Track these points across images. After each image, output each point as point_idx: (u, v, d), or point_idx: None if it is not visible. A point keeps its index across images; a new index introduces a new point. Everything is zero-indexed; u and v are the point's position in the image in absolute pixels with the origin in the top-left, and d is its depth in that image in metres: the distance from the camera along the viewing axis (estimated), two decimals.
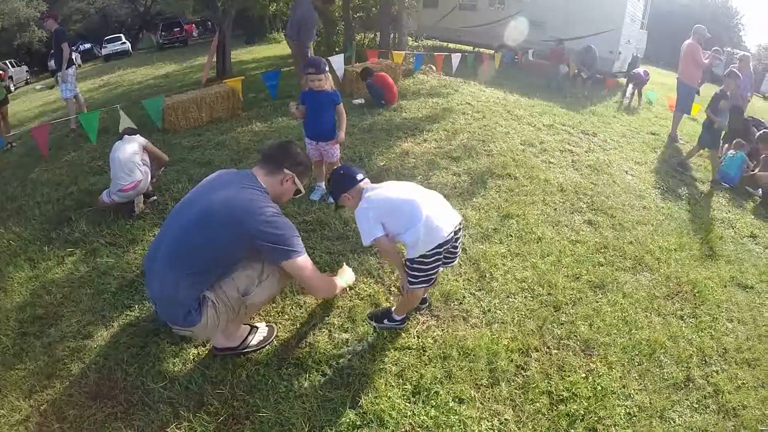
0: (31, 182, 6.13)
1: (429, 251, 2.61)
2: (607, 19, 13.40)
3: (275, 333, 3.04)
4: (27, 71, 29.12)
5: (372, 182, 2.84)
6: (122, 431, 2.43)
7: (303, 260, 2.54)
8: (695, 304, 3.77)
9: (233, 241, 2.43)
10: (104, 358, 2.92)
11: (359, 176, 2.78)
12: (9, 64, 25.15)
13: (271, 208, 2.50)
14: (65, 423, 2.53)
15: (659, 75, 23.34)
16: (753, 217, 5.86)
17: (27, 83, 27.28)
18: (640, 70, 11.91)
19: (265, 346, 2.94)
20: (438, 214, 2.65)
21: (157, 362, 2.84)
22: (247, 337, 2.89)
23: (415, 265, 2.67)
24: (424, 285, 2.76)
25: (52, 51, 8.71)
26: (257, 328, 2.98)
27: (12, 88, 10.90)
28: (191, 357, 2.86)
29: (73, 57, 8.49)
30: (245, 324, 2.92)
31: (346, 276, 3.31)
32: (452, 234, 2.67)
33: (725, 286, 4.12)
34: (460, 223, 2.76)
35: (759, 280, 4.37)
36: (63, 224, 4.67)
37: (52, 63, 23.75)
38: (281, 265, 2.53)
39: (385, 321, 3.04)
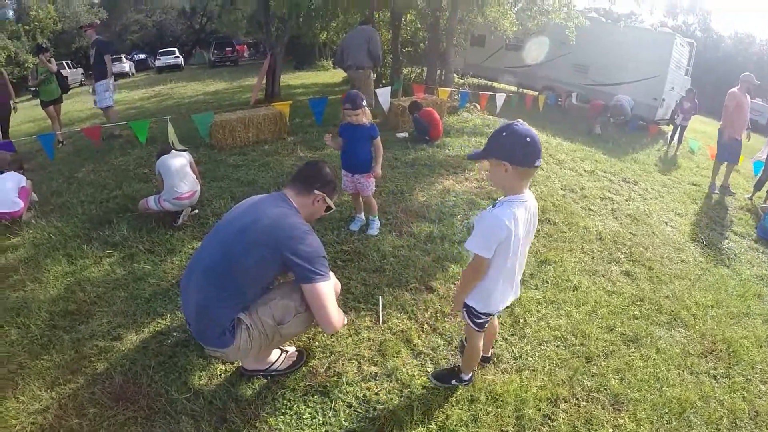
0: (77, 181, 6.37)
1: (485, 311, 2.57)
2: (652, 66, 13.32)
3: (305, 359, 3.04)
4: (82, 73, 30.37)
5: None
6: None
7: (325, 286, 2.52)
8: (729, 363, 3.62)
9: (266, 256, 2.46)
10: (131, 362, 2.97)
11: (538, 162, 2.26)
12: (66, 65, 26.25)
13: (303, 225, 2.57)
14: (84, 420, 2.57)
15: (701, 123, 22.99)
16: None
17: (81, 85, 28.43)
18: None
19: (294, 370, 2.95)
20: (512, 286, 2.60)
21: (183, 373, 2.87)
22: (276, 361, 2.91)
23: (472, 311, 2.60)
24: (479, 331, 2.67)
25: (91, 62, 9.04)
26: (287, 351, 3.01)
27: (69, 86, 11.53)
28: (218, 372, 2.88)
29: (111, 69, 8.83)
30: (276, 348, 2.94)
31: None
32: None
33: (761, 347, 3.93)
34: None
35: None
36: (104, 225, 4.82)
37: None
38: (302, 288, 2.53)
39: (453, 382, 2.92)
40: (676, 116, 12.08)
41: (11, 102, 8.73)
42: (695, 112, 11.91)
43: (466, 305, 2.60)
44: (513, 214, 2.28)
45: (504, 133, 2.25)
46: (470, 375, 2.95)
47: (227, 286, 2.48)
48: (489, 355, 3.18)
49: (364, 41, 8.08)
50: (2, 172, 5.16)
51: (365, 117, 4.23)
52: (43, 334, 3.28)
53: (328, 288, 2.55)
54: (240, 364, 2.90)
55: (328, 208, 2.87)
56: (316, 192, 2.73)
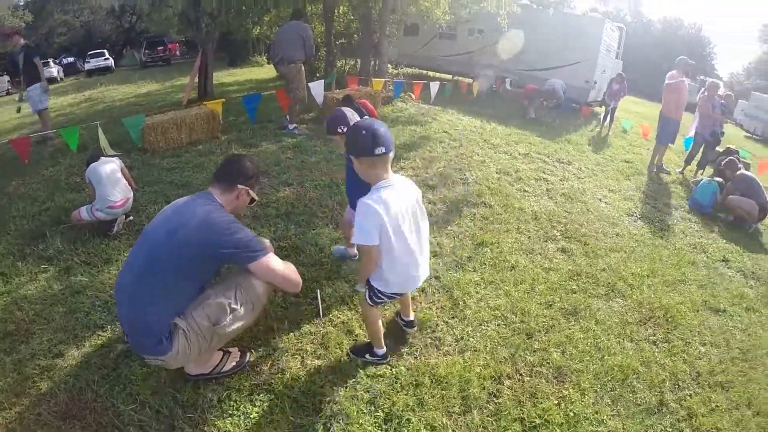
0: (7, 196, 6.04)
1: (389, 292, 2.75)
2: (583, 50, 13.79)
3: (248, 358, 3.04)
4: (8, 81, 28.78)
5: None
6: None
7: (269, 258, 2.64)
8: (668, 329, 3.83)
9: (198, 254, 2.48)
10: (75, 378, 2.89)
11: (379, 150, 2.47)
12: None
13: (226, 217, 2.60)
14: None
15: (633, 103, 24.02)
16: (725, 241, 6.01)
17: (8, 93, 26.90)
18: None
19: (238, 370, 2.94)
20: (417, 267, 2.74)
21: (128, 384, 2.82)
22: (219, 363, 2.90)
23: (374, 291, 2.76)
24: (372, 304, 2.84)
25: (20, 68, 8.73)
26: (230, 353, 2.99)
27: None
28: (162, 380, 2.84)
29: (43, 73, 8.68)
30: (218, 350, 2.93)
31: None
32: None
33: (698, 311, 4.19)
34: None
35: (731, 303, 4.46)
36: (38, 240, 4.62)
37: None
38: (249, 268, 2.60)
39: (366, 356, 3.03)
40: (606, 98, 12.48)
41: None
42: (624, 94, 12.37)
43: (369, 284, 2.76)
44: (379, 198, 2.49)
45: (350, 133, 2.59)
46: (382, 350, 3.04)
47: (159, 292, 2.46)
48: (412, 318, 3.31)
49: (297, 36, 7.96)
50: None
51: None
52: None
53: (273, 258, 2.66)
54: (184, 370, 2.87)
55: (252, 200, 2.88)
56: (239, 186, 2.75)
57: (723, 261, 5.40)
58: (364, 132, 2.47)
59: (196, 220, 2.50)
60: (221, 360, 2.91)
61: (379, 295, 2.76)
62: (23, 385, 2.88)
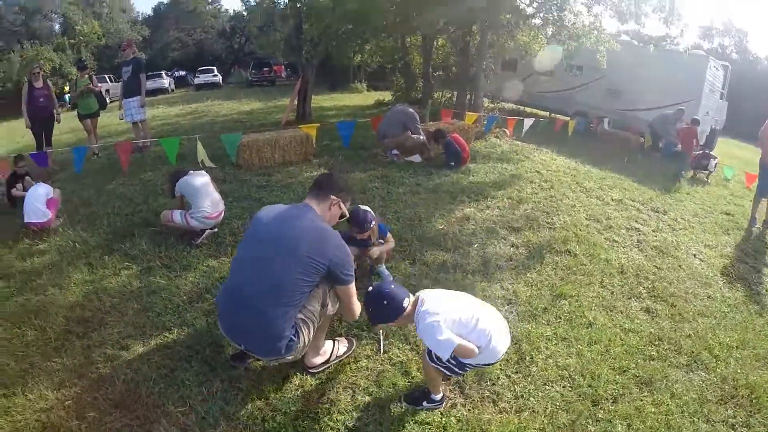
0: (107, 193, 6.63)
1: (472, 363, 2.71)
2: (685, 90, 13.07)
3: (354, 345, 3.37)
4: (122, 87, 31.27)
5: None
6: None
7: (353, 286, 2.88)
8: (750, 411, 3.40)
9: (318, 267, 2.66)
10: (134, 372, 3.08)
11: (405, 302, 2.65)
12: (108, 79, 27.19)
13: (338, 234, 2.83)
14: (83, 422, 2.69)
15: (737, 148, 22.41)
16: None
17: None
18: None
19: (350, 354, 3.29)
20: (498, 337, 2.71)
21: (182, 387, 2.95)
22: (333, 349, 3.20)
23: (452, 361, 2.68)
24: (437, 370, 2.78)
25: (124, 78, 9.52)
26: (338, 340, 3.32)
27: (108, 101, 12.26)
28: (215, 390, 2.92)
29: (144, 88, 9.55)
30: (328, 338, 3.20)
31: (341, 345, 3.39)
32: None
33: None
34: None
35: None
36: (126, 238, 5.00)
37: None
38: (337, 289, 2.84)
39: (424, 403, 2.93)
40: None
41: (55, 112, 9.02)
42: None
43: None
44: (431, 310, 2.57)
45: (368, 308, 2.70)
46: (440, 395, 2.94)
47: (290, 302, 2.64)
48: None
49: (399, 121, 8.32)
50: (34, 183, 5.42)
51: (373, 234, 4.15)
52: (57, 337, 3.47)
53: (354, 287, 2.89)
54: (305, 366, 3.10)
55: (342, 215, 3.07)
56: (332, 197, 2.93)
57: None
58: (385, 302, 2.61)
59: (313, 233, 2.71)
60: (335, 346, 3.22)
61: (461, 368, 2.76)
62: (87, 369, 3.14)
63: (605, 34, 12.16)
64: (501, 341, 2.70)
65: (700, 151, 11.76)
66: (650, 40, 14.68)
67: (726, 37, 50.97)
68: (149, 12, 50.95)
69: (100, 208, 5.93)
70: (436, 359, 2.69)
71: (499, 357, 2.72)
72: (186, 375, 3.05)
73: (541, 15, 12.28)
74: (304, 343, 2.74)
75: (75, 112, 10.33)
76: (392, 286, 2.69)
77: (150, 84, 25.42)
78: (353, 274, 2.84)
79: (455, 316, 2.57)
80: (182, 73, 40.87)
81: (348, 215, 3.16)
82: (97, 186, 6.95)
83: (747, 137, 28.78)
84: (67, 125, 10.89)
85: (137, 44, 33.28)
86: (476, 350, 2.57)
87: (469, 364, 2.71)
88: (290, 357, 2.75)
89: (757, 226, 7.69)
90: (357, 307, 2.94)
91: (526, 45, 12.96)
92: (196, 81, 35.38)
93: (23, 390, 2.94)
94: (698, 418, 3.26)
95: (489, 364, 2.79)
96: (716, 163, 11.09)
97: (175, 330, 3.52)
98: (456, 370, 2.73)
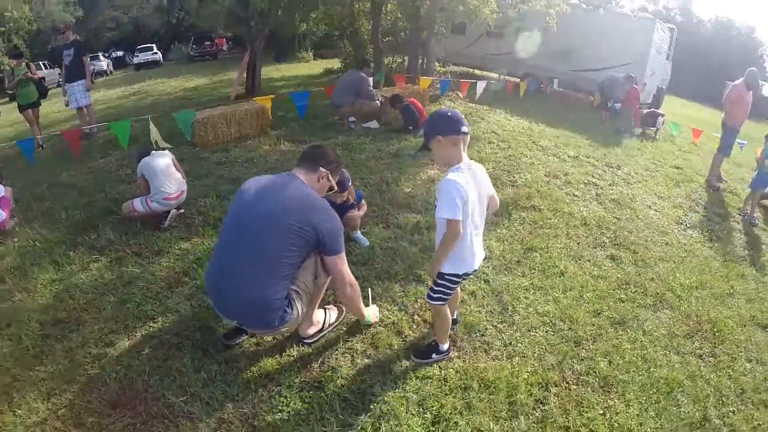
0: (59, 185, 6.28)
1: (461, 273, 2.79)
2: (632, 51, 13.43)
3: (345, 312, 3.36)
4: (59, 73, 29.78)
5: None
6: None
7: (344, 255, 2.85)
8: (714, 343, 3.72)
9: (307, 236, 2.64)
10: (125, 368, 2.95)
11: (464, 128, 2.65)
12: (42, 66, 25.79)
13: (325, 202, 2.82)
14: (82, 429, 2.56)
15: (682, 106, 23.32)
16: None
17: (59, 85, 27.91)
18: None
19: (342, 320, 3.32)
20: (478, 244, 2.84)
21: (178, 376, 2.86)
22: (325, 318, 3.22)
23: (443, 281, 2.79)
24: (442, 302, 2.87)
25: (66, 62, 9.06)
26: (328, 309, 3.31)
27: (47, 89, 11.63)
28: (213, 374, 2.87)
29: (89, 70, 9.09)
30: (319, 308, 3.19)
31: (371, 311, 3.35)
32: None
33: (745, 326, 4.05)
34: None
35: None
36: (89, 230, 4.76)
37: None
38: (326, 260, 2.80)
39: (433, 356, 3.05)
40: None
41: None
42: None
43: (441, 278, 2.78)
44: (463, 177, 2.59)
45: (431, 117, 2.74)
46: (447, 344, 3.08)
47: (280, 273, 2.64)
48: (456, 317, 3.36)
49: (350, 86, 8.36)
50: None
51: (351, 195, 4.19)
52: (35, 344, 3.23)
53: (344, 256, 2.85)
54: (299, 336, 3.11)
55: (330, 188, 3.03)
56: (321, 169, 2.90)
57: None
58: (449, 114, 2.66)
59: (300, 201, 2.69)
60: (326, 315, 3.23)
61: (451, 282, 2.80)
62: (74, 373, 2.95)
63: None
64: (479, 253, 2.85)
65: (648, 109, 12.15)
66: (599, 3, 14.95)
67: (671, 0, 52.35)
68: None
69: (54, 202, 5.62)
70: (435, 290, 2.82)
71: (473, 268, 2.81)
72: (180, 363, 2.96)
73: None
74: (298, 314, 2.75)
75: (13, 105, 9.75)
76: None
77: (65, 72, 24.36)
78: (342, 242, 2.82)
79: (468, 208, 2.63)
80: (120, 53, 39.08)
81: (336, 188, 3.12)
82: (47, 179, 6.57)
83: (691, 96, 30.02)
84: (5, 119, 10.28)
85: (71, 26, 31.68)
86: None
87: (451, 277, 2.79)
88: (284, 329, 2.77)
89: (716, 185, 7.96)
90: (349, 277, 2.89)
91: (476, 8, 12.93)
92: (136, 60, 33.99)
93: (10, 406, 2.74)
94: (669, 351, 3.54)
95: (465, 274, 2.84)
96: (663, 120, 11.51)
97: (160, 318, 3.41)
98: (447, 289, 2.82)
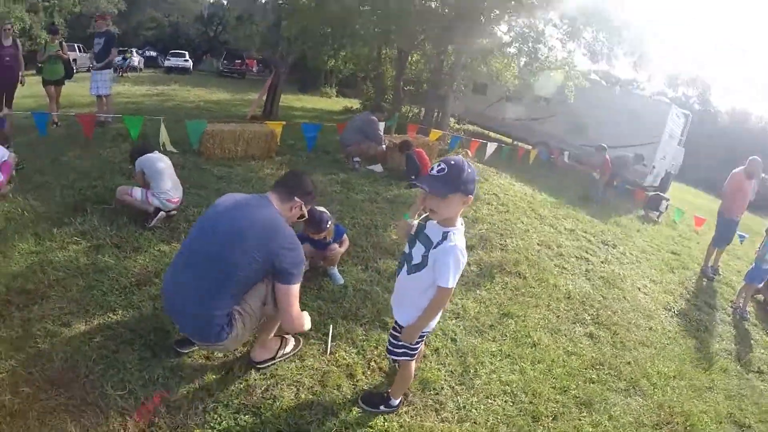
0: (63, 164, 6.38)
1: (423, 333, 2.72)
2: (646, 132, 13.56)
3: (301, 344, 3.36)
4: (90, 58, 30.32)
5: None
6: (68, 424, 2.45)
7: (296, 288, 2.76)
8: None
9: (263, 260, 2.62)
10: (74, 350, 2.96)
11: (471, 192, 2.45)
12: (78, 48, 26.35)
13: (291, 231, 2.79)
14: (17, 397, 2.55)
15: (689, 193, 23.40)
16: (764, 351, 5.64)
17: (89, 70, 28.39)
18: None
19: (297, 352, 3.29)
20: None
21: (122, 371, 2.85)
22: (280, 346, 3.18)
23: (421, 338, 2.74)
24: (409, 358, 2.81)
25: (95, 50, 9.36)
26: (286, 338, 3.27)
27: (74, 71, 11.82)
28: (156, 376, 2.85)
29: (114, 60, 9.38)
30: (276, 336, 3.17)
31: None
32: None
33: (720, 422, 3.92)
34: None
35: (758, 419, 4.15)
36: (77, 212, 4.79)
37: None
38: (277, 287, 2.72)
39: (381, 407, 2.95)
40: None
41: (20, 74, 8.70)
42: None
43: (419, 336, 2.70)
44: (463, 242, 2.50)
45: (468, 169, 2.40)
46: (399, 400, 2.99)
47: (225, 289, 2.63)
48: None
49: (359, 129, 8.44)
50: None
51: (329, 235, 4.14)
52: None
53: (297, 289, 2.77)
54: (250, 359, 3.08)
55: (301, 216, 3.03)
56: (296, 199, 2.91)
57: (758, 373, 5.06)
58: (473, 171, 2.43)
59: (265, 225, 2.68)
60: (281, 344, 3.20)
61: (419, 341, 2.75)
62: (24, 342, 2.98)
63: (575, 71, 12.50)
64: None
65: (654, 192, 12.18)
66: (618, 81, 15.22)
67: (690, 88, 53.33)
68: None
69: (53, 179, 5.69)
70: (396, 345, 2.76)
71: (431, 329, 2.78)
72: (128, 358, 2.95)
73: (517, 45, 12.57)
74: (237, 335, 2.72)
75: (39, 78, 9.93)
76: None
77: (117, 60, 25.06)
78: (300, 275, 2.78)
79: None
80: (153, 53, 39.88)
81: (306, 216, 3.11)
82: (52, 156, 6.68)
83: (700, 184, 30.13)
84: (29, 90, 10.46)
85: (112, 17, 32.40)
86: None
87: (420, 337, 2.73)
88: (221, 346, 2.74)
89: (711, 275, 7.87)
90: (297, 314, 2.81)
91: (498, 71, 13.19)
92: (167, 63, 34.67)
93: None
94: None
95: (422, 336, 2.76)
96: (668, 205, 11.55)
97: (120, 311, 3.41)
98: (411, 349, 2.75)
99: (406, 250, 2.66)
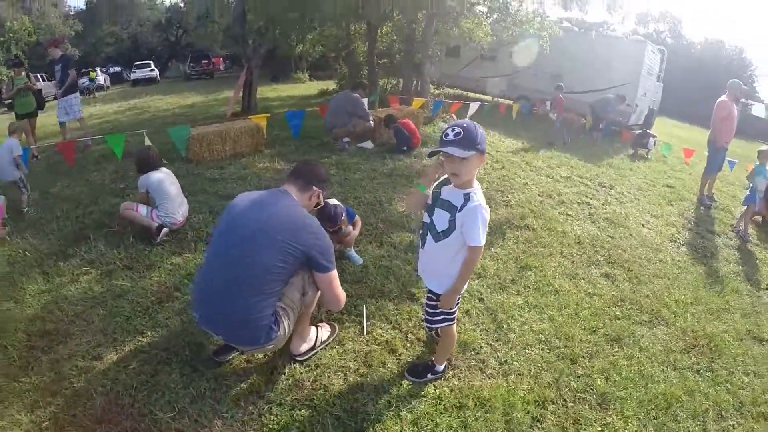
0: (52, 196, 6.25)
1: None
2: (624, 73, 13.62)
3: (338, 330, 3.39)
4: (55, 85, 29.74)
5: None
6: None
7: (334, 274, 2.82)
8: (711, 358, 3.72)
9: (295, 253, 2.63)
10: (112, 382, 2.88)
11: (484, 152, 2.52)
12: (40, 78, 25.85)
13: (315, 220, 2.81)
14: None
15: (674, 127, 23.55)
16: None
17: (56, 98, 27.88)
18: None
19: (335, 338, 3.32)
20: None
21: (167, 392, 2.80)
22: (318, 335, 3.20)
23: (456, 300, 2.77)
24: (451, 323, 2.86)
25: (57, 78, 9.19)
26: (320, 326, 3.30)
27: (44, 101, 11.62)
28: (203, 390, 2.82)
29: (78, 83, 9.24)
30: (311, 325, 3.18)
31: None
32: None
33: (741, 340, 4.07)
34: None
35: None
36: (80, 242, 4.70)
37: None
38: (318, 278, 2.79)
39: (429, 375, 3.01)
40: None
41: None
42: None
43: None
44: (484, 206, 2.52)
45: (479, 129, 2.48)
46: (444, 366, 3.04)
47: (267, 290, 2.61)
48: None
49: (343, 109, 8.33)
50: None
51: (344, 224, 4.15)
52: (20, 355, 3.16)
53: (336, 274, 2.84)
54: (291, 354, 3.07)
55: (318, 204, 3.08)
56: (314, 188, 2.93)
57: (767, 290, 5.22)
58: (481, 130, 2.49)
59: (289, 219, 2.68)
60: (318, 332, 3.22)
61: (456, 305, 2.79)
62: (59, 385, 2.89)
63: (548, 21, 12.45)
64: None
65: (640, 130, 12.27)
66: (591, 26, 15.18)
67: (661, 23, 53.08)
68: (81, 6, 48.33)
69: (47, 213, 5.59)
70: (434, 314, 2.80)
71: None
72: (169, 378, 2.90)
73: (486, 2, 12.47)
74: (285, 331, 2.73)
75: (8, 115, 9.75)
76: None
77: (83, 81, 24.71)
78: (333, 260, 2.81)
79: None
80: (117, 68, 39.21)
81: (322, 203, 3.13)
82: (40, 190, 6.54)
83: (681, 116, 30.34)
84: (2, 127, 10.26)
85: (70, 40, 31.63)
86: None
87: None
88: (271, 346, 2.74)
89: (707, 202, 7.99)
90: (341, 295, 2.89)
91: (470, 32, 13.09)
92: (133, 76, 33.99)
93: None
94: (667, 367, 3.53)
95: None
96: (655, 141, 11.65)
97: (149, 333, 3.35)
98: (450, 313, 2.80)
99: (426, 219, 2.68)
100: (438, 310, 2.76)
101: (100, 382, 2.89)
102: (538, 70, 15.13)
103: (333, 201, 4.01)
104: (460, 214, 2.50)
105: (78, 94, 9.08)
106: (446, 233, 2.56)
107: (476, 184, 2.56)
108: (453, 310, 2.77)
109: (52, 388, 2.88)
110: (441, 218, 2.58)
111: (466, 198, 2.50)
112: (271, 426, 2.62)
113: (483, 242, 2.48)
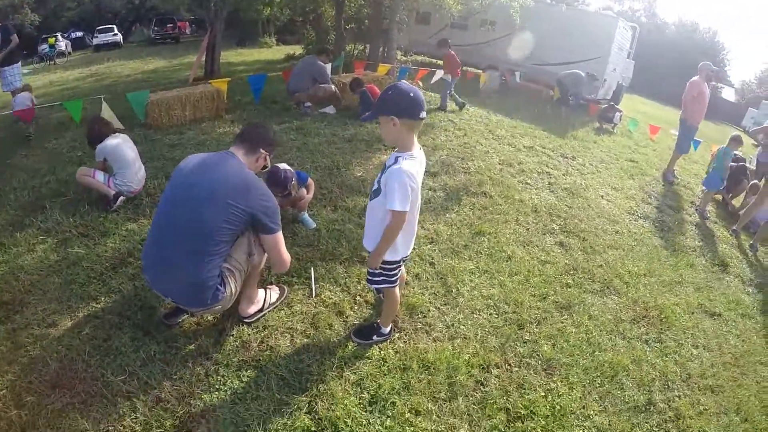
0: (10, 167, 6.08)
1: (399, 259, 2.76)
2: (594, 47, 13.66)
3: (287, 291, 3.43)
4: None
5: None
6: (78, 422, 2.43)
7: (281, 234, 2.87)
8: (661, 329, 3.83)
9: (241, 215, 2.65)
10: (66, 348, 2.91)
11: (423, 114, 2.48)
12: None
13: (262, 183, 2.84)
14: (23, 410, 2.52)
15: (641, 104, 23.84)
16: (726, 246, 5.97)
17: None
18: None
19: (283, 299, 3.35)
20: (414, 229, 2.81)
21: (118, 356, 2.84)
22: (266, 297, 3.24)
23: (383, 268, 2.77)
24: (390, 285, 2.86)
25: None
26: (269, 288, 3.34)
27: None
28: (153, 353, 2.86)
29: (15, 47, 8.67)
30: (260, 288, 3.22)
31: None
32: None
33: (692, 313, 4.19)
34: None
35: (727, 308, 4.47)
36: (37, 211, 4.62)
37: None
38: (264, 239, 2.83)
39: (374, 337, 3.06)
40: None
41: None
42: None
43: (384, 265, 2.76)
44: (414, 167, 2.53)
45: (390, 92, 2.49)
46: (389, 328, 3.10)
47: (213, 251, 2.64)
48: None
49: (307, 72, 8.26)
50: None
51: (294, 189, 4.09)
52: None
53: (281, 236, 2.88)
54: (239, 316, 3.11)
55: (264, 167, 3.07)
56: (261, 151, 2.92)
57: (722, 266, 5.37)
58: (411, 95, 2.44)
59: (236, 180, 2.68)
60: (266, 294, 3.25)
61: (393, 268, 2.79)
62: (16, 354, 2.90)
63: None
64: (413, 242, 2.84)
65: (607, 104, 12.38)
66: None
67: (636, 1, 53.20)
68: None
69: (4, 184, 5.44)
70: (374, 274, 2.82)
71: (408, 253, 2.82)
72: (121, 342, 2.94)
73: None
74: (231, 292, 2.78)
75: None
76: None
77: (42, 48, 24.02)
78: (279, 222, 2.84)
79: (414, 198, 2.57)
80: (79, 33, 37.56)
81: (269, 166, 3.16)
82: None
83: (651, 95, 30.71)
84: None
85: (29, 4, 30.19)
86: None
87: (391, 264, 2.77)
88: (218, 307, 2.79)
89: (670, 179, 8.16)
90: (286, 256, 2.93)
91: None
92: (95, 41, 32.63)
93: None
94: (615, 336, 3.64)
95: (403, 260, 2.83)
96: (621, 116, 11.78)
97: (102, 299, 3.37)
98: (388, 275, 2.81)
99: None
100: (378, 271, 2.79)
101: (55, 349, 2.92)
102: (507, 40, 15.08)
103: (283, 165, 3.98)
104: (384, 176, 2.55)
105: (19, 64, 8.70)
106: (376, 193, 2.63)
107: (417, 150, 2.58)
108: (392, 272, 2.80)
109: (8, 357, 2.89)
110: (378, 177, 2.64)
111: (395, 161, 2.54)
112: (217, 386, 2.67)
113: (399, 207, 2.46)
